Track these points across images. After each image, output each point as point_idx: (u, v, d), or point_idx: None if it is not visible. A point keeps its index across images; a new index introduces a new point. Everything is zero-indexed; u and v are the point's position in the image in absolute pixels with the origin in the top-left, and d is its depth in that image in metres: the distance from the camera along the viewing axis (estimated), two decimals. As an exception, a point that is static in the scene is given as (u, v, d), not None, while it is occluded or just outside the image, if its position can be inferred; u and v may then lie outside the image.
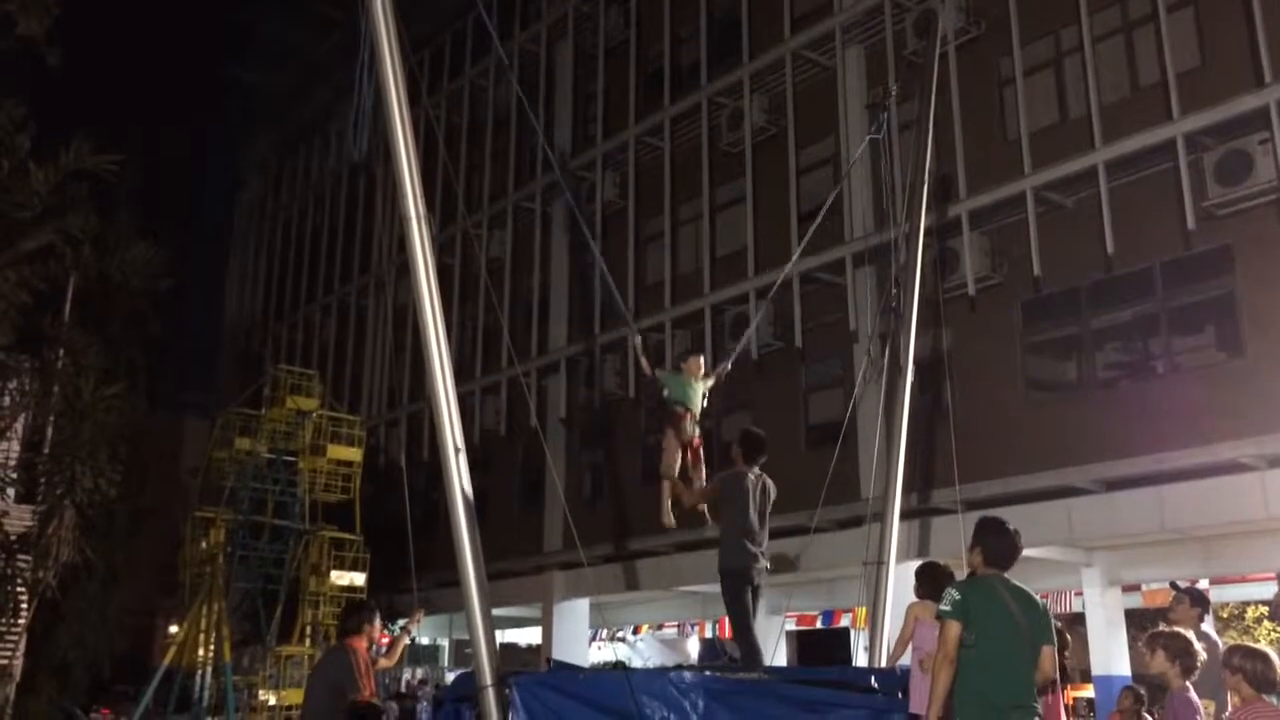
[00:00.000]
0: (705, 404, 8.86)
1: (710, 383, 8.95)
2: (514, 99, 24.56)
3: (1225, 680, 5.67)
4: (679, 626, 26.25)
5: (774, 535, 8.07)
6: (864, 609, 18.30)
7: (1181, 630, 6.10)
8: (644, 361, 9.04)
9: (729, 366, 9.46)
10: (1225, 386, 12.88)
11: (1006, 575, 5.39)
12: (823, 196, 17.89)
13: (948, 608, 5.23)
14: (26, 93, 14.37)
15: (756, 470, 7.92)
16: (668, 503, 8.77)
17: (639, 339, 9.52)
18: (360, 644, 7.74)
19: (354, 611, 8.30)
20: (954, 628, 5.16)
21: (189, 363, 36.90)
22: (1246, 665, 5.54)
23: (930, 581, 7.24)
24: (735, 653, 7.89)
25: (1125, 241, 13.79)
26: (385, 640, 11.15)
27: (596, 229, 21.57)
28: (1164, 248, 13.68)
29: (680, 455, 8.63)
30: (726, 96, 19.37)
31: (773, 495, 7.96)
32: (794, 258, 14.65)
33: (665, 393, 8.76)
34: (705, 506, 8.67)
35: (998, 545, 5.38)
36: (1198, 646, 5.91)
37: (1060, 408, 14.69)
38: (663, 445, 8.79)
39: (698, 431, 8.76)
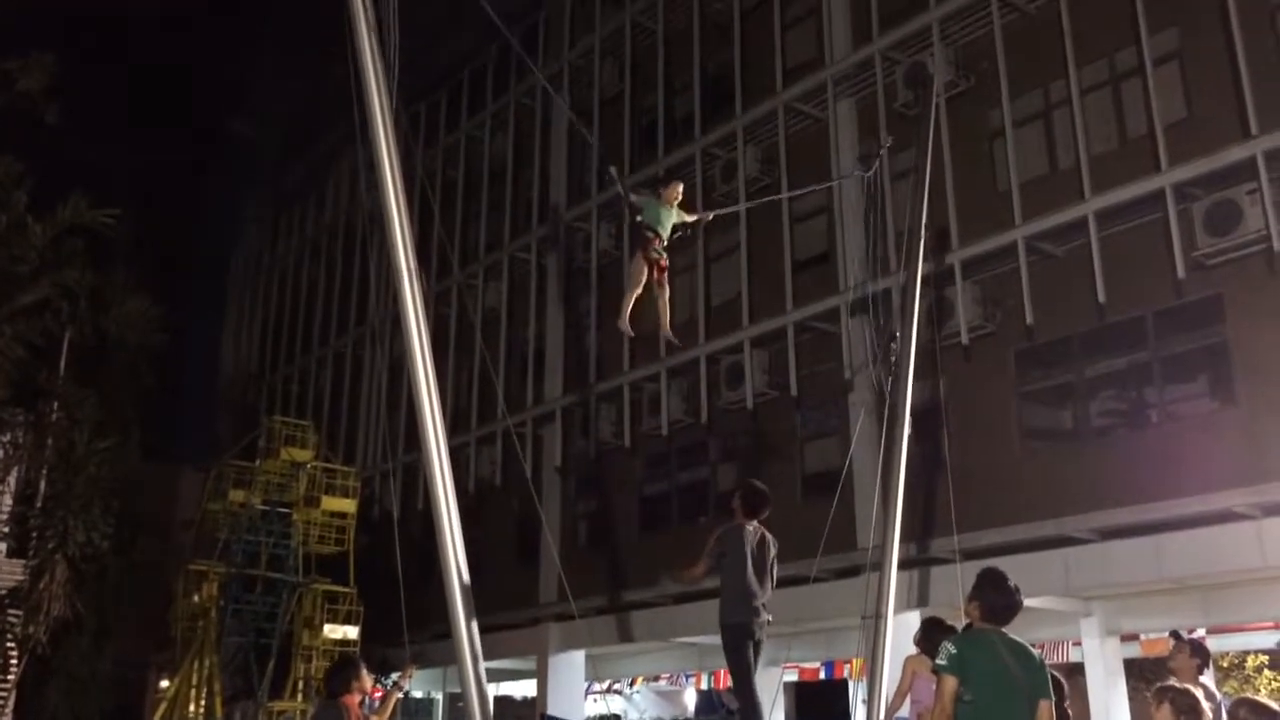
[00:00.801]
0: (676, 234, 9.39)
1: (689, 218, 9.48)
2: (510, 151, 24.80)
3: None
4: (673, 678, 25.98)
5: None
6: (859, 660, 18.18)
7: (1190, 687, 6.03)
8: (620, 186, 9.57)
9: (710, 216, 10.23)
10: (1219, 435, 12.89)
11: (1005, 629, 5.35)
12: (816, 246, 18.07)
13: (944, 662, 5.20)
14: (24, 149, 14.50)
15: (755, 524, 7.90)
16: (626, 313, 9.58)
17: (613, 169, 10.05)
18: (352, 701, 7.66)
19: (339, 670, 8.22)
20: (950, 682, 5.12)
21: (184, 414, 36.79)
22: None
23: (930, 636, 7.19)
24: (733, 704, 7.84)
25: (1117, 290, 13.87)
26: (378, 694, 11.03)
27: (592, 279, 21.66)
28: (1155, 297, 13.75)
29: (646, 272, 9.22)
30: (720, 148, 19.55)
31: (774, 550, 7.92)
32: (789, 307, 14.72)
33: (639, 217, 9.19)
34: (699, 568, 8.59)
35: (997, 600, 5.34)
36: (1205, 706, 5.84)
37: (1056, 456, 14.68)
38: (631, 263, 9.49)
39: (664, 255, 9.27)
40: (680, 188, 9.39)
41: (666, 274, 9.37)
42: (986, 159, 16.01)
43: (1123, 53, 14.67)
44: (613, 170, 9.85)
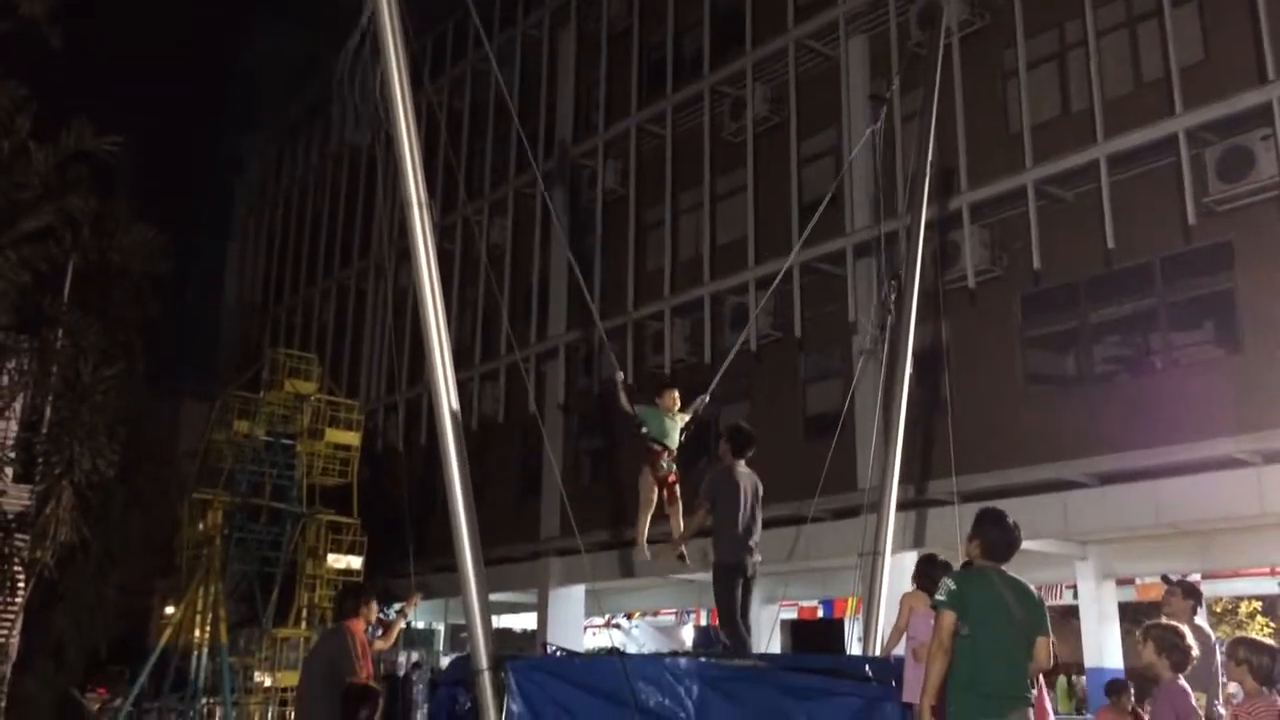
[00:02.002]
0: (683, 438, 8.75)
1: (687, 417, 8.81)
2: (516, 85, 24.53)
3: (1229, 671, 5.68)
4: (675, 614, 26.34)
5: (771, 524, 8.12)
6: (853, 599, 18.37)
7: (1176, 624, 6.10)
8: (622, 396, 8.86)
9: (706, 399, 9.27)
10: (1223, 382, 12.91)
11: (1003, 567, 5.40)
12: (824, 187, 17.94)
13: (943, 597, 5.26)
14: (27, 74, 14.35)
15: (743, 464, 7.97)
16: (643, 538, 8.72)
17: (621, 375, 9.30)
18: (357, 626, 7.79)
19: (350, 594, 8.36)
20: (949, 617, 5.18)
21: (187, 345, 36.86)
22: (1253, 659, 5.54)
23: (928, 573, 7.27)
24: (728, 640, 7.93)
25: (1125, 236, 13.79)
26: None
27: (597, 216, 21.56)
28: (1164, 243, 13.69)
29: (657, 492, 8.56)
30: (729, 86, 19.34)
31: (760, 490, 8.00)
32: (795, 249, 14.66)
33: (644, 429, 8.63)
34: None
35: (996, 538, 5.39)
36: (1190, 641, 5.92)
37: (1058, 401, 14.72)
38: (640, 483, 8.69)
39: (674, 468, 8.66)
40: (676, 394, 8.75)
41: (677, 488, 8.64)
42: (999, 100, 15.85)
43: (1141, -7, 14.46)
44: (618, 376, 9.10)
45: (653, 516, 8.64)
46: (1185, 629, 5.98)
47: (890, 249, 14.96)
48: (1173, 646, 5.76)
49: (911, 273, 11.91)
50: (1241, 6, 13.20)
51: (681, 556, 8.83)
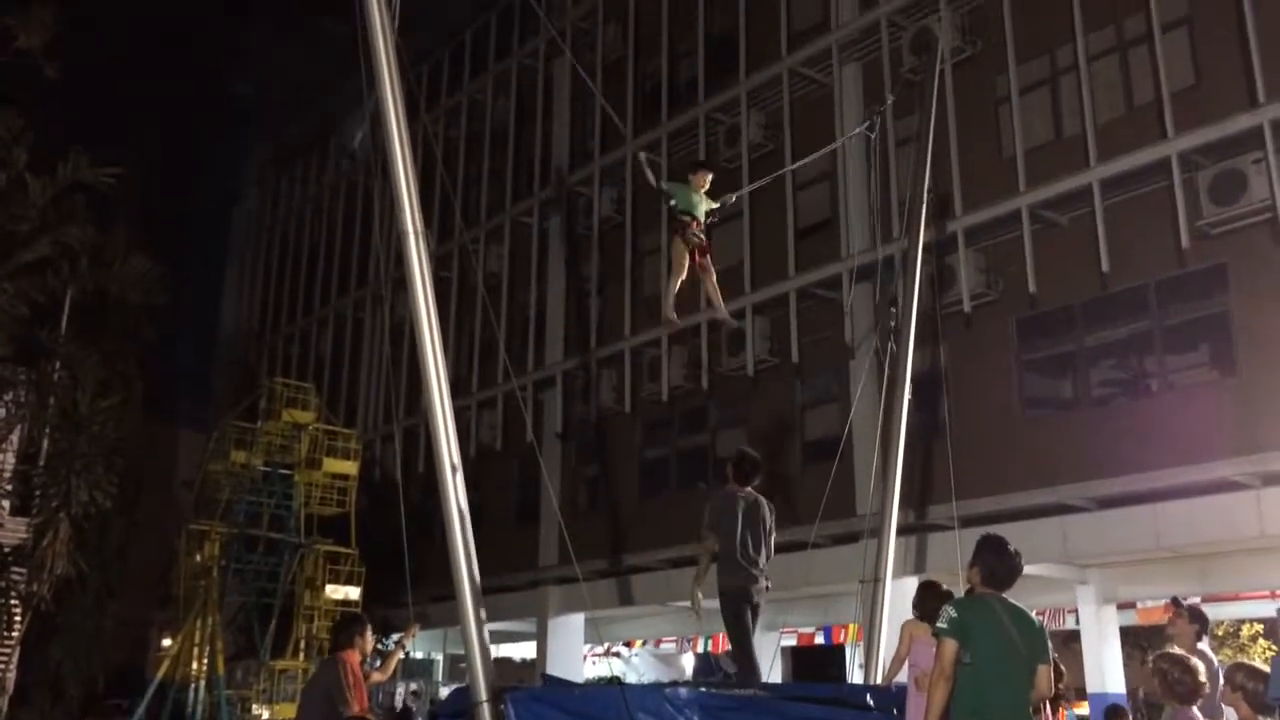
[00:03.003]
0: (709, 218, 9.23)
1: (715, 205, 9.28)
2: (513, 114, 24.65)
3: (1225, 696, 5.64)
4: (676, 642, 26.18)
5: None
6: (854, 625, 18.28)
7: (1186, 655, 6.03)
8: (649, 174, 9.48)
9: (732, 199, 9.91)
10: (1219, 405, 12.91)
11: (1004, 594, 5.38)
12: (820, 212, 18.01)
13: (944, 625, 5.23)
14: (25, 105, 14.42)
15: (749, 490, 7.96)
16: (670, 301, 9.34)
17: (644, 154, 10.12)
18: (352, 657, 7.73)
19: (345, 626, 8.34)
20: (950, 645, 5.15)
21: (185, 375, 36.87)
22: (1249, 685, 5.51)
23: (928, 601, 7.24)
24: (730, 668, 7.90)
25: (1120, 259, 13.84)
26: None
27: (594, 244, 21.61)
28: (1158, 266, 13.72)
29: (688, 258, 9.08)
30: (724, 113, 19.44)
31: (770, 516, 7.99)
32: (790, 274, 14.70)
33: (672, 203, 9.13)
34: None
35: (997, 566, 5.36)
36: (1202, 677, 5.84)
37: (1055, 425, 14.71)
38: (671, 249, 9.29)
39: (703, 237, 9.14)
40: (710, 176, 9.26)
41: (709, 257, 9.24)
42: (992, 125, 15.93)
43: (1131, 19, 14.56)
44: (644, 157, 9.76)
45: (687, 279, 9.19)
46: (1196, 661, 5.92)
47: (886, 273, 14.99)
48: (1178, 681, 5.71)
49: (909, 297, 11.95)
50: (1231, 31, 13.30)
51: (722, 320, 9.95)
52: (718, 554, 7.87)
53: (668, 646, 26.92)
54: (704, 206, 9.12)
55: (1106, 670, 16.43)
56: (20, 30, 14.06)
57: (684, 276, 9.20)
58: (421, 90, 26.40)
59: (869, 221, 16.88)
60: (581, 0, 23.39)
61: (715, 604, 8.04)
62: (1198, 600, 14.79)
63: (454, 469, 6.80)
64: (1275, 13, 13.08)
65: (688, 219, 8.98)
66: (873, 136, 14.46)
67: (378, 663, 9.90)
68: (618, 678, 8.26)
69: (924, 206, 12.41)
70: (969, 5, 16.29)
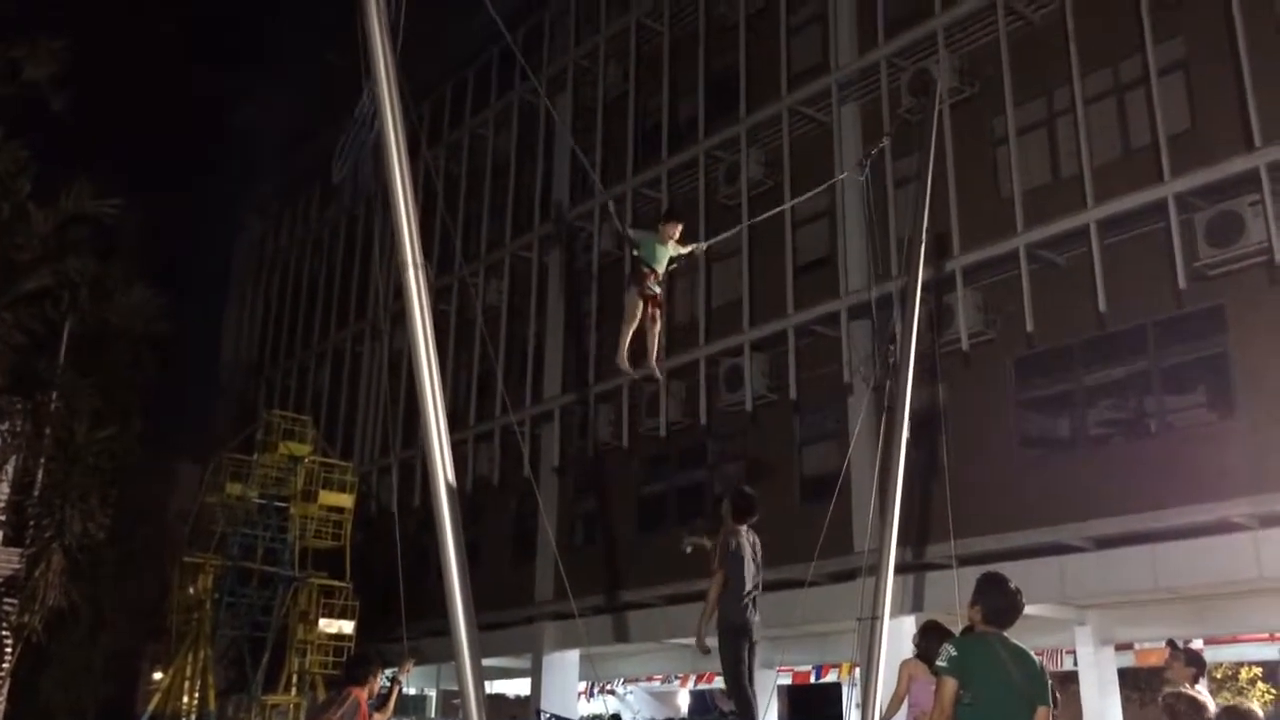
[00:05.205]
0: (675, 265, 9.43)
1: (684, 250, 9.41)
2: (513, 149, 24.80)
3: None
4: (679, 679, 25.96)
5: (768, 588, 8.13)
6: (846, 664, 18.12)
7: (1196, 694, 5.98)
8: (617, 222, 9.92)
9: (704, 247, 10.04)
10: (1218, 445, 12.90)
11: (1005, 633, 5.35)
12: (818, 250, 18.09)
13: (944, 664, 5.19)
14: (29, 136, 14.52)
15: (746, 528, 8.03)
16: (623, 350, 9.47)
17: (611, 205, 10.85)
18: (363, 695, 7.81)
19: (363, 662, 8.48)
20: (951, 684, 5.11)
21: (182, 406, 36.83)
22: None
23: (930, 641, 7.21)
24: (725, 706, 7.90)
25: (1118, 300, 13.88)
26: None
27: (593, 278, 21.67)
28: (1156, 307, 13.76)
29: (641, 309, 9.23)
30: (724, 150, 19.56)
31: (759, 551, 8.17)
32: (790, 310, 14.74)
33: (636, 251, 9.28)
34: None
35: (998, 604, 5.33)
36: (1210, 716, 5.79)
37: (1054, 464, 14.69)
38: (625, 299, 9.41)
39: (659, 290, 9.30)
40: (679, 228, 9.37)
41: (660, 310, 9.42)
42: (990, 166, 16.03)
43: (1127, 62, 14.69)
44: (611, 207, 9.98)
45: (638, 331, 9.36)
46: (1206, 699, 5.87)
47: (884, 311, 15.02)
48: (1184, 715, 5.67)
49: (908, 336, 11.98)
50: (1228, 75, 13.41)
51: (651, 374, 9.73)
52: (723, 593, 7.91)
53: (663, 683, 26.70)
54: (668, 255, 9.21)
55: (1105, 712, 16.30)
56: (27, 62, 14.18)
57: (635, 325, 9.32)
58: (423, 125, 26.57)
59: (867, 258, 16.96)
60: (584, 39, 23.61)
61: (712, 641, 8.04)
62: (1198, 644, 14.75)
63: (451, 501, 6.77)
64: (1271, 57, 13.21)
65: (647, 270, 9.11)
66: (861, 178, 14.55)
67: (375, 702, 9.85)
68: (617, 715, 8.19)
69: (923, 245, 12.47)
70: (967, 47, 16.45)
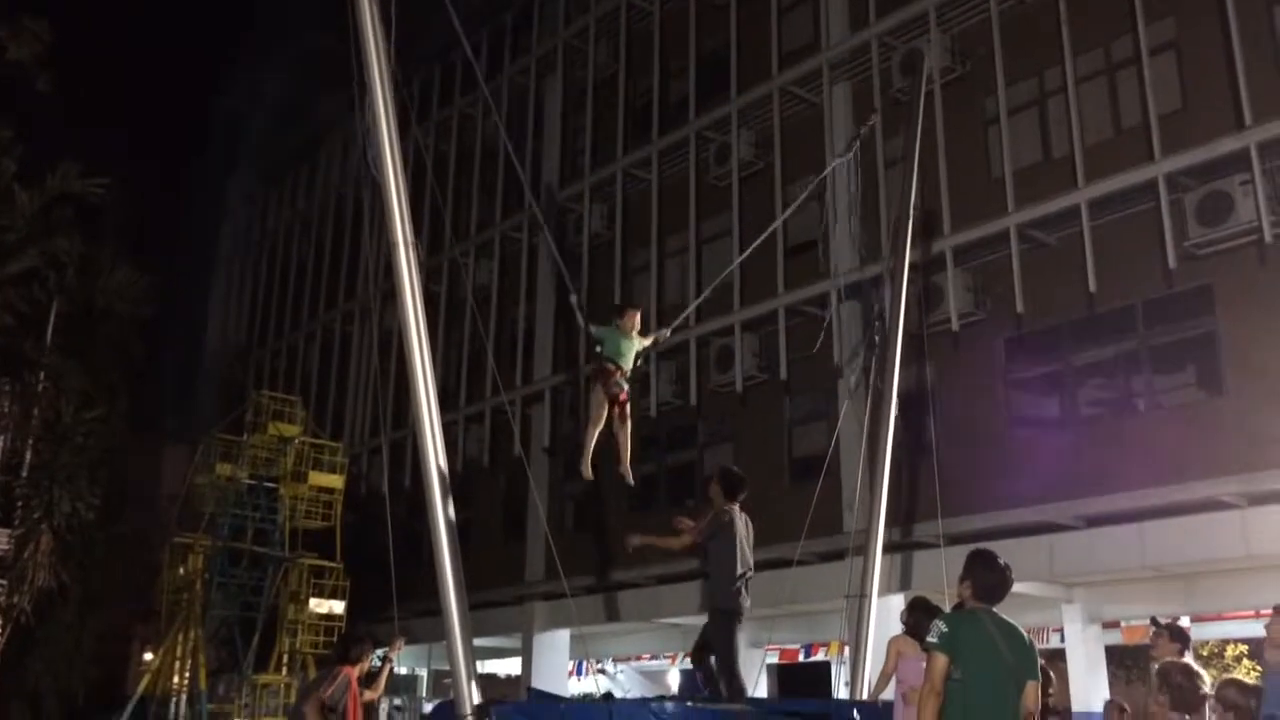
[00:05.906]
0: (640, 361, 8.84)
1: (647, 342, 8.89)
2: (503, 129, 24.67)
3: (1218, 713, 5.64)
4: (670, 658, 26.06)
5: (757, 567, 8.12)
6: (836, 642, 18.18)
7: (1191, 664, 6.02)
8: (579, 316, 9.15)
9: (668, 334, 9.50)
10: (1206, 425, 12.97)
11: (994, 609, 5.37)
12: (809, 231, 18.07)
13: (935, 640, 5.21)
14: (14, 116, 14.41)
15: (736, 508, 8.00)
16: (586, 456, 8.78)
17: (574, 297, 9.66)
18: (354, 673, 7.87)
19: (356, 642, 8.57)
20: (941, 660, 5.14)
21: (171, 387, 36.70)
22: (1241, 701, 5.51)
23: (919, 617, 7.24)
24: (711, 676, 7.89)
25: (1107, 280, 13.90)
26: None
27: (583, 260, 21.62)
28: (1146, 286, 13.80)
29: (606, 409, 8.57)
30: (714, 131, 19.50)
31: (751, 532, 8.09)
32: (779, 291, 14.73)
33: (598, 348, 8.70)
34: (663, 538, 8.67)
35: (988, 579, 5.35)
36: (1206, 687, 5.83)
37: (1042, 443, 14.74)
38: (589, 399, 8.85)
39: (625, 387, 8.66)
40: (637, 316, 8.76)
41: (628, 407, 8.69)
42: (980, 146, 16.02)
43: (1119, 42, 14.68)
44: (573, 299, 9.47)
45: (604, 431, 8.70)
46: (1200, 669, 5.92)
47: (874, 291, 15.02)
48: (1180, 685, 5.71)
49: (896, 316, 12.00)
50: (1218, 55, 13.40)
51: (625, 475, 8.93)
52: (712, 573, 7.90)
53: (653, 663, 26.81)
54: (633, 350, 8.63)
55: (1092, 689, 16.41)
56: (11, 43, 14.07)
57: (600, 427, 8.60)
58: (413, 104, 26.43)
59: (858, 240, 16.95)
60: (574, 19, 23.48)
61: (694, 620, 8.05)
62: (1185, 621, 14.85)
63: (442, 481, 6.78)
64: (1261, 37, 13.21)
65: (611, 366, 8.50)
66: (846, 159, 14.37)
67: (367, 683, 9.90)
68: (609, 694, 8.24)
69: (910, 225, 12.47)
70: (959, 27, 16.40)
